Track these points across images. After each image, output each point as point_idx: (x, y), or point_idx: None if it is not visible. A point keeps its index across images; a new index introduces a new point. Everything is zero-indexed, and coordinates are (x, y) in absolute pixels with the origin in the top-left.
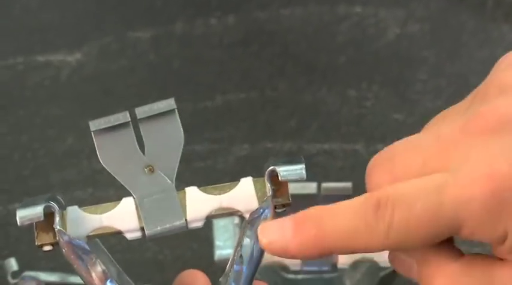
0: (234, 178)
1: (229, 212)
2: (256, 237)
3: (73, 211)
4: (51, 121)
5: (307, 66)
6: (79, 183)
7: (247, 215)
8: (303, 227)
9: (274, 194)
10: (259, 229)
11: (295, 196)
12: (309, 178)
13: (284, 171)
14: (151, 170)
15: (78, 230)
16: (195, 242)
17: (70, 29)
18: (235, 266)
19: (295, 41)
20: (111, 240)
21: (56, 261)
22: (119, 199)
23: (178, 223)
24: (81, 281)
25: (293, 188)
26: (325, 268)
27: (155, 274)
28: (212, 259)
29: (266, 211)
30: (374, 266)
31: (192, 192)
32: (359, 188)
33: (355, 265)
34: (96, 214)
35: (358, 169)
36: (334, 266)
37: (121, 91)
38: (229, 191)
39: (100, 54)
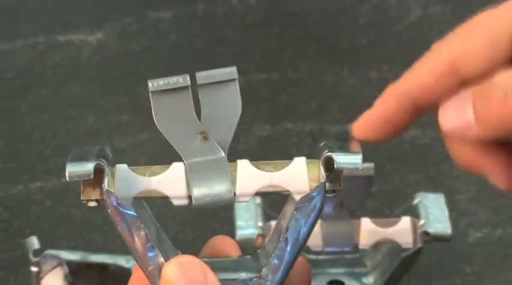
0: (254, 159)
1: (279, 191)
2: (305, 221)
3: (122, 169)
4: (72, 101)
5: (328, 48)
6: None
7: (295, 196)
8: (485, 109)
9: (327, 180)
10: (441, 109)
11: None
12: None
13: (341, 160)
14: (206, 138)
15: (126, 190)
16: (216, 222)
17: (91, 8)
18: (279, 245)
19: (317, 23)
20: None
21: (78, 240)
22: None
23: (227, 195)
24: (102, 260)
25: None
26: (347, 249)
27: None
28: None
29: (317, 197)
30: (395, 247)
31: (244, 165)
32: (380, 169)
33: (376, 246)
34: (145, 176)
35: (379, 150)
36: (355, 247)
37: (142, 71)
38: (282, 169)
39: (121, 34)
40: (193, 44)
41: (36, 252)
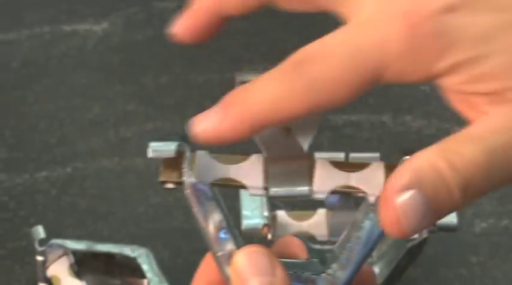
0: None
1: (354, 192)
2: (378, 222)
3: (202, 155)
4: (78, 90)
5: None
6: (105, 152)
7: (370, 198)
8: (230, 107)
9: None
10: (191, 121)
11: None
12: (336, 148)
13: None
14: (288, 133)
15: (204, 175)
16: None
17: None
18: (349, 245)
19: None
20: (139, 209)
21: (83, 230)
22: (146, 167)
23: (303, 190)
24: (107, 249)
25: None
26: None
27: (181, 242)
28: (239, 229)
29: None
30: None
31: (322, 163)
32: (385, 159)
33: None
34: (224, 163)
35: (385, 140)
36: None
37: (147, 61)
38: (359, 170)
39: (126, 24)
40: None
41: (42, 242)
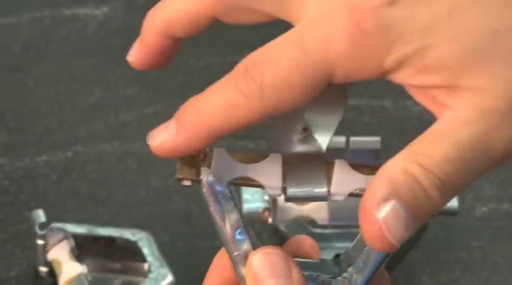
0: (260, 131)
1: None
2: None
3: (220, 153)
4: (78, 74)
5: None
6: (106, 136)
7: None
8: (184, 119)
9: None
10: (148, 136)
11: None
12: (337, 132)
13: None
14: (306, 132)
15: (221, 173)
16: None
17: None
18: (366, 248)
19: None
20: (139, 193)
21: (83, 214)
22: (147, 151)
23: (321, 191)
24: (108, 233)
25: None
26: (353, 223)
27: (182, 226)
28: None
29: None
30: None
31: (341, 165)
32: (386, 143)
33: None
34: (242, 162)
35: (386, 124)
36: None
37: None
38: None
39: (127, 8)
40: None
41: (43, 226)
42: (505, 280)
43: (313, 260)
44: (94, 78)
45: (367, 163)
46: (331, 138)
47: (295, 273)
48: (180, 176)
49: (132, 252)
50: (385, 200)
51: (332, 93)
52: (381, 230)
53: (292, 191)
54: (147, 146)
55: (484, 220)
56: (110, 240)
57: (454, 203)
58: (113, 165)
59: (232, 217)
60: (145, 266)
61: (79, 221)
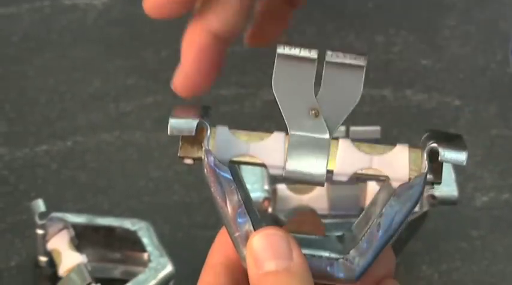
0: (260, 123)
1: (377, 176)
2: (400, 210)
3: (222, 131)
4: (78, 64)
5: (335, 12)
6: (105, 126)
7: (394, 183)
8: None
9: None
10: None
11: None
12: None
13: (446, 153)
14: (316, 114)
15: (223, 152)
16: None
17: None
18: (369, 231)
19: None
20: (139, 183)
21: (83, 203)
22: (147, 141)
23: (318, 178)
24: (107, 223)
25: None
26: (353, 212)
27: (182, 216)
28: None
29: (417, 186)
30: None
31: (345, 145)
32: (386, 133)
33: None
34: (245, 140)
35: (386, 114)
36: (361, 210)
37: (147, 35)
38: (382, 153)
39: None
40: None
41: (42, 215)
42: (505, 269)
43: (317, 237)
44: (94, 67)
45: None
46: (341, 123)
47: (296, 254)
48: (182, 155)
49: (132, 242)
50: None
51: (348, 78)
52: None
53: (289, 171)
54: (147, 136)
55: (484, 210)
56: (109, 230)
57: (454, 192)
58: (112, 155)
59: (233, 198)
60: (145, 255)
61: (79, 211)
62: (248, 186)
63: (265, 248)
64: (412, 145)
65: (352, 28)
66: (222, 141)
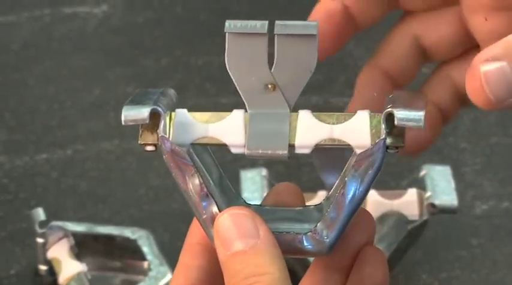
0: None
1: (339, 144)
2: (362, 178)
3: (181, 114)
4: (78, 73)
5: None
6: (105, 134)
7: (357, 150)
8: None
9: (389, 135)
10: None
11: (323, 149)
12: None
13: (402, 116)
14: (273, 89)
15: (183, 136)
16: None
17: None
18: (336, 200)
19: None
20: (139, 191)
21: (83, 212)
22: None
23: (281, 152)
24: (107, 231)
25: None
26: None
27: (182, 225)
28: None
29: (376, 153)
30: (401, 219)
31: (305, 116)
32: None
33: (382, 218)
34: (204, 121)
35: None
36: None
37: (147, 43)
38: (343, 122)
39: (126, 6)
40: (198, 16)
41: (42, 224)
42: (505, 278)
43: (294, 208)
44: (94, 76)
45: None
46: (298, 95)
47: (263, 231)
48: (142, 142)
49: (132, 251)
50: (495, 59)
51: (301, 49)
52: (481, 82)
53: (251, 149)
54: None
55: (483, 218)
56: (109, 238)
57: (453, 201)
58: (112, 163)
59: (195, 182)
60: (145, 264)
61: (79, 220)
62: (248, 195)
63: (230, 228)
64: (373, 112)
65: (352, 36)
66: (181, 124)
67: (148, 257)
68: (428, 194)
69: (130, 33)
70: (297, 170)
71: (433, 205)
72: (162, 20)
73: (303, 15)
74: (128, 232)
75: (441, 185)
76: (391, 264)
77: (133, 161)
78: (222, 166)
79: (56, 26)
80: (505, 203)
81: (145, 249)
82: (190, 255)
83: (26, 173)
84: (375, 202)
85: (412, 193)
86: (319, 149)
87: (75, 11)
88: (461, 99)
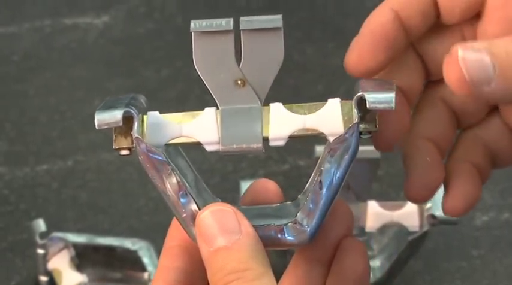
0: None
1: (313, 134)
2: (338, 164)
3: (153, 116)
4: (78, 83)
5: (334, 31)
6: (106, 145)
7: (330, 138)
8: None
9: (361, 120)
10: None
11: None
12: None
13: (373, 99)
14: (243, 84)
15: (157, 137)
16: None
17: None
18: (314, 188)
19: (323, 5)
20: (139, 202)
21: (84, 223)
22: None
23: (255, 145)
24: (108, 243)
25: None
26: (353, 232)
27: None
28: None
29: (350, 138)
30: (402, 230)
31: (277, 109)
32: (385, 153)
33: (383, 229)
34: (177, 122)
35: None
36: (361, 230)
37: (148, 54)
38: (315, 111)
39: (127, 17)
40: None
41: (43, 235)
42: None
43: (272, 205)
44: (94, 87)
45: (367, 174)
46: (269, 88)
47: (244, 226)
48: (116, 147)
49: (133, 262)
50: (476, 50)
51: (267, 42)
52: (458, 64)
53: (226, 145)
54: None
55: (484, 229)
56: (110, 249)
57: None
58: (113, 174)
59: (172, 181)
60: (146, 275)
61: (79, 230)
62: None
63: (212, 225)
64: (344, 99)
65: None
66: (154, 125)
67: (149, 268)
68: (428, 205)
69: (131, 44)
70: (297, 181)
71: (433, 216)
72: (162, 31)
73: (304, 26)
74: (129, 243)
75: (441, 196)
76: (391, 275)
77: (134, 172)
78: (223, 177)
79: (57, 37)
80: (505, 215)
81: (145, 260)
82: (169, 258)
83: (26, 184)
84: (376, 213)
85: (412, 204)
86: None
87: (75, 22)
88: (492, 158)
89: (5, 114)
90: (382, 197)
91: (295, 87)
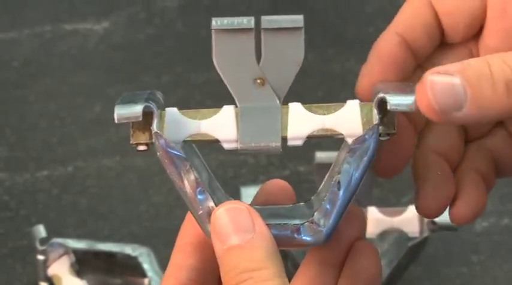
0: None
1: (331, 134)
2: (357, 165)
3: (172, 113)
4: (79, 89)
5: (335, 37)
6: (106, 151)
7: (348, 140)
8: None
9: (380, 123)
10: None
11: (325, 165)
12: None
13: (394, 101)
14: (262, 83)
15: (175, 133)
16: None
17: None
18: (332, 189)
19: (324, 11)
20: (139, 208)
21: (84, 229)
22: (147, 166)
23: (274, 144)
24: (108, 248)
25: (320, 158)
26: None
27: None
28: None
29: (370, 139)
30: (402, 236)
31: (296, 108)
32: None
33: (383, 235)
34: (195, 119)
35: None
36: None
37: (148, 60)
38: (334, 112)
39: (127, 23)
40: (199, 32)
41: (43, 241)
42: None
43: (285, 206)
44: (94, 92)
45: (367, 179)
46: (288, 88)
47: (258, 225)
48: (134, 142)
49: (133, 268)
50: (448, 73)
51: (288, 42)
52: (426, 90)
53: (244, 143)
54: (148, 161)
55: (484, 235)
56: (110, 255)
57: None
58: (113, 180)
59: (190, 177)
60: (146, 281)
61: (79, 236)
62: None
63: (227, 223)
64: (364, 101)
65: (353, 53)
66: (173, 122)
67: (149, 274)
68: None
69: (131, 50)
70: (297, 187)
71: (433, 222)
72: (162, 37)
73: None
74: (129, 249)
75: None
76: (392, 281)
77: (134, 178)
78: (223, 183)
79: (57, 43)
80: (505, 220)
81: (146, 266)
82: (181, 255)
83: (26, 190)
84: (376, 219)
85: (412, 210)
86: (321, 166)
87: (76, 28)
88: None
89: (5, 119)
90: (382, 203)
91: (296, 92)
